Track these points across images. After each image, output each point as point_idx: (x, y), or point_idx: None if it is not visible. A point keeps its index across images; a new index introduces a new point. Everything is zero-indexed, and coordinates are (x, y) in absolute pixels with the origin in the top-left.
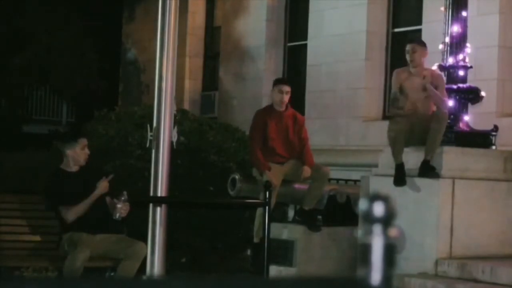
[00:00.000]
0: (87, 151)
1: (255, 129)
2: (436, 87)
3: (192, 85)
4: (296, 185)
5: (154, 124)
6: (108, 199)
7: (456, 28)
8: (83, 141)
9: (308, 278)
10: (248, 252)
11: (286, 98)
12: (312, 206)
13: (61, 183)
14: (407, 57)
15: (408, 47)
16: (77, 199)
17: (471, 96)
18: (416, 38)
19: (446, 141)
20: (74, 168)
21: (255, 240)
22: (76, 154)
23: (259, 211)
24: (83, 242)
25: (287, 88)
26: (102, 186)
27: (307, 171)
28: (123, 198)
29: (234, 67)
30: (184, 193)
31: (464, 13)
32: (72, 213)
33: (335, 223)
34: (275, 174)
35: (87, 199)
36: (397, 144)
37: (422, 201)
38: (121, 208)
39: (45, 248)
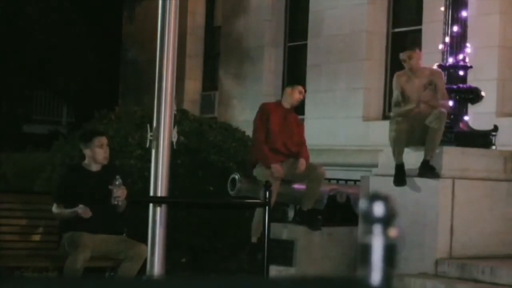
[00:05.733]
0: (106, 149)
1: (259, 122)
2: (435, 85)
3: (192, 85)
4: (296, 185)
5: (154, 124)
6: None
7: (456, 28)
8: (100, 139)
9: (308, 278)
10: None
11: (300, 100)
12: (310, 206)
13: (77, 179)
14: (405, 65)
15: (403, 56)
16: (93, 199)
17: (471, 96)
18: (407, 44)
19: (446, 141)
20: (94, 167)
21: (253, 240)
22: (94, 153)
23: (257, 211)
24: (84, 242)
25: (304, 92)
26: (84, 211)
27: (302, 163)
28: (117, 183)
29: (234, 67)
30: (184, 193)
31: (464, 13)
32: (55, 216)
33: (335, 223)
34: (280, 166)
35: (67, 212)
36: (398, 144)
37: (422, 201)
38: (117, 193)
39: (45, 248)
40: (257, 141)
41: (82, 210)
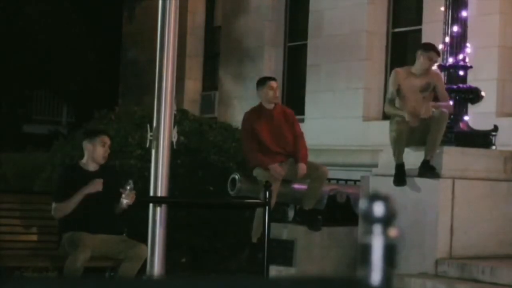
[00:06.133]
0: (107, 149)
1: (245, 134)
2: (435, 87)
3: (192, 85)
4: (296, 185)
5: (154, 124)
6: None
7: (456, 28)
8: (104, 138)
9: (308, 278)
10: (247, 252)
11: (277, 93)
12: (312, 206)
13: (75, 179)
14: (426, 65)
15: (433, 56)
16: (91, 200)
17: (471, 96)
18: (433, 45)
19: (446, 141)
20: (92, 167)
21: (253, 240)
22: (95, 149)
23: (258, 211)
24: (84, 242)
25: (275, 84)
26: (94, 184)
27: (302, 168)
28: (128, 187)
29: (234, 67)
30: (184, 193)
31: (464, 13)
32: (59, 212)
33: (335, 223)
34: (280, 167)
35: (75, 196)
36: (398, 144)
37: (422, 201)
38: (127, 196)
39: (45, 248)
40: (248, 152)
41: (93, 183)
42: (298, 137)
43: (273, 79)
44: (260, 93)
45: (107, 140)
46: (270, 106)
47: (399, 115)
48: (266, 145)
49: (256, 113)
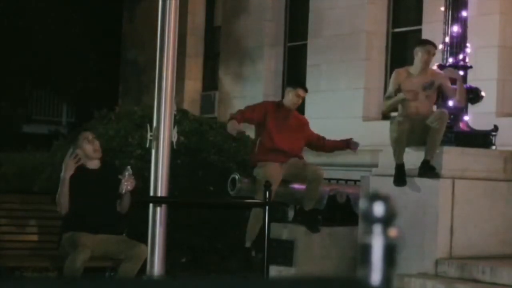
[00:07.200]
0: (94, 142)
1: (252, 106)
2: (441, 86)
3: (192, 85)
4: (296, 185)
5: (154, 124)
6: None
7: (456, 28)
8: (85, 134)
9: (308, 278)
10: (253, 253)
11: (299, 102)
12: (312, 207)
13: (76, 178)
14: (424, 58)
15: (431, 49)
16: (94, 197)
17: (471, 96)
18: (428, 40)
19: (446, 141)
20: (92, 165)
21: (247, 244)
22: (84, 150)
23: (253, 212)
24: (84, 242)
25: (304, 94)
26: (67, 165)
27: (354, 144)
28: (127, 173)
29: (234, 67)
30: (184, 193)
31: (464, 13)
32: (58, 206)
33: (335, 223)
34: (275, 172)
35: (60, 186)
36: (399, 145)
37: (422, 201)
38: (126, 182)
39: (45, 248)
40: (237, 112)
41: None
42: (319, 137)
43: (305, 89)
44: (287, 92)
45: (88, 135)
46: (289, 107)
47: (395, 101)
48: (271, 137)
49: (274, 105)
